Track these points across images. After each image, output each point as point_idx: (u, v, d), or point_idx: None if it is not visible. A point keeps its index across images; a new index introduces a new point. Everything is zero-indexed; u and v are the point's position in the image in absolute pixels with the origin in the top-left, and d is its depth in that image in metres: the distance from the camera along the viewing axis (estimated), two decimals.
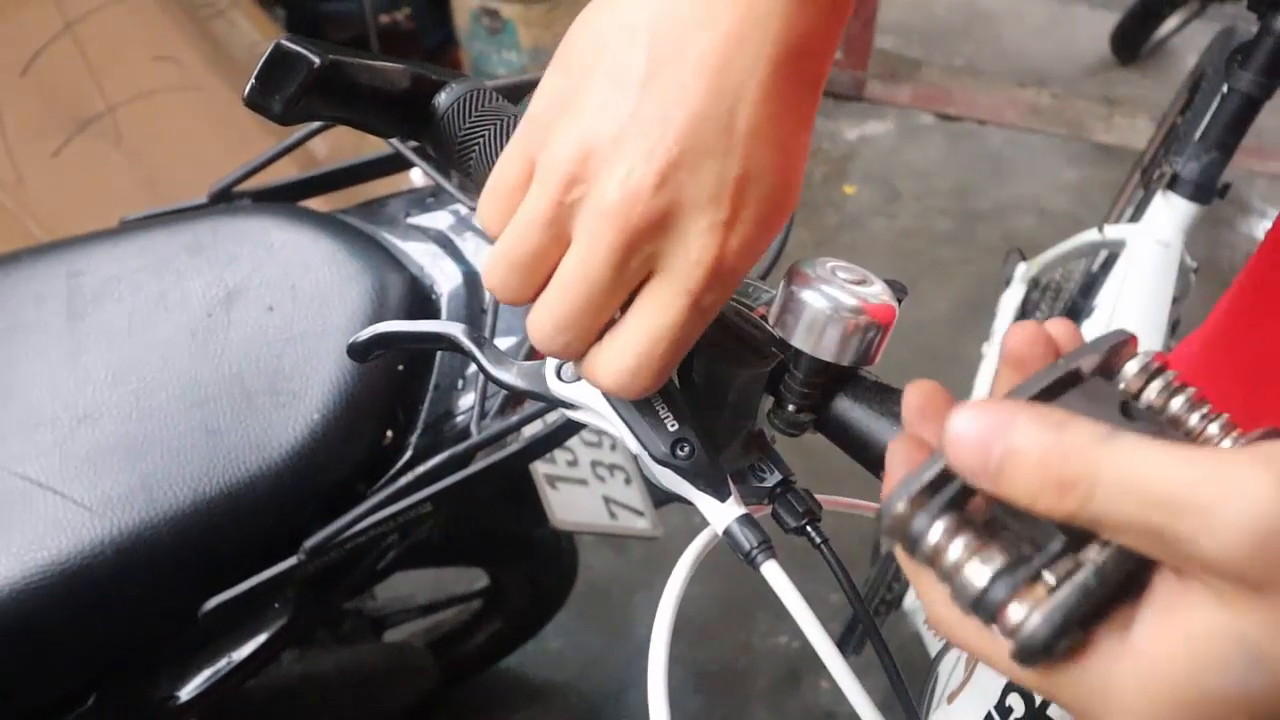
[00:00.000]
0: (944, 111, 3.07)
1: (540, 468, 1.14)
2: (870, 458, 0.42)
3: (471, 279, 0.89)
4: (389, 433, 0.83)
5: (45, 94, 1.70)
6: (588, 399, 0.45)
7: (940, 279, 2.49)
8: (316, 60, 0.43)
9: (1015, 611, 0.28)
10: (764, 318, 0.43)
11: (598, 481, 1.16)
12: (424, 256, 0.91)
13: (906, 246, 2.60)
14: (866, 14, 2.94)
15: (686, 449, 0.43)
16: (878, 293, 0.40)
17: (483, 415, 0.80)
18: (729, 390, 0.44)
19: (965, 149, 2.95)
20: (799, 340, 0.40)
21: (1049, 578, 0.28)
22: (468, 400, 0.85)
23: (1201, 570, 0.26)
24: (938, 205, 2.73)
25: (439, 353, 0.87)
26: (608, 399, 0.44)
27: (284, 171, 0.98)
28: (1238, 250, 2.60)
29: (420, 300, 0.86)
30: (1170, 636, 0.27)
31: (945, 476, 0.29)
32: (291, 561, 0.77)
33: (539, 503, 1.17)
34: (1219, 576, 0.25)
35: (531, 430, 0.85)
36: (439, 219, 0.94)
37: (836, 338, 0.40)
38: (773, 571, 0.42)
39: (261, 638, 0.82)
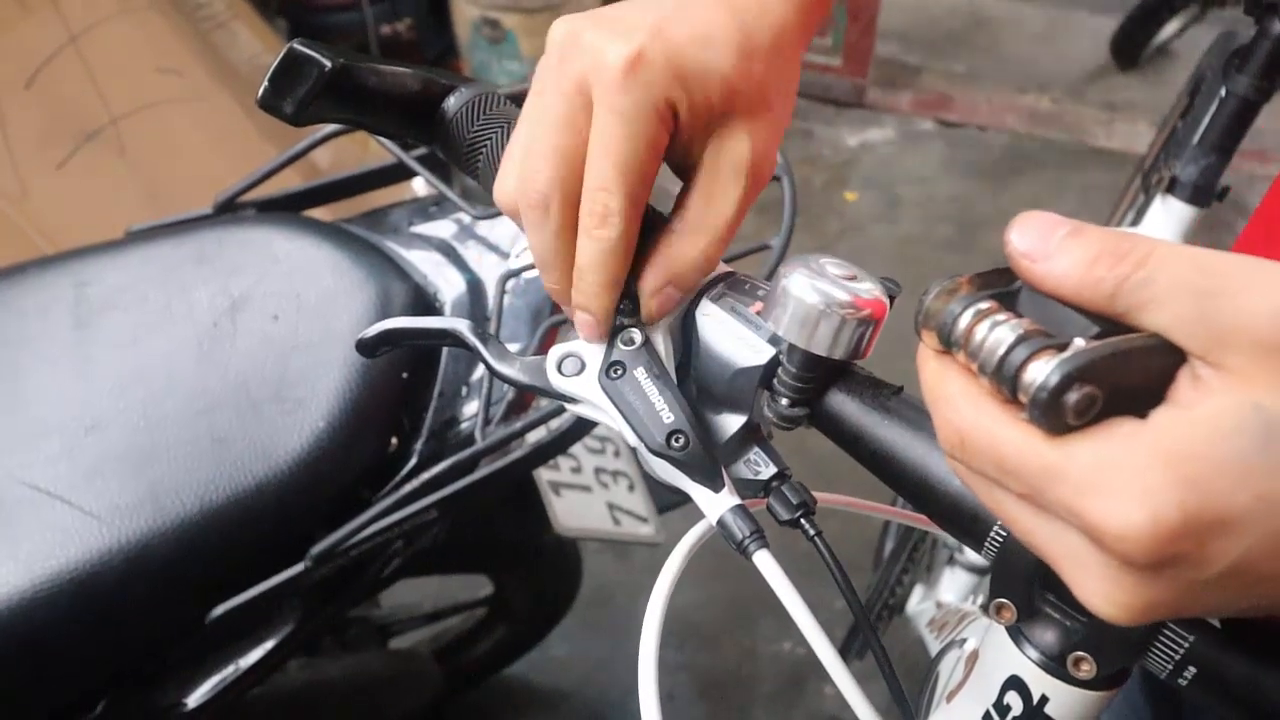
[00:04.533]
0: (944, 118, 3.07)
1: (544, 474, 1.15)
2: (863, 450, 0.42)
3: (475, 286, 0.90)
4: (394, 440, 0.84)
5: (50, 106, 1.72)
6: (587, 393, 0.46)
7: None
8: (328, 64, 0.45)
9: (1035, 369, 0.29)
10: (759, 314, 0.44)
11: (601, 488, 1.16)
12: (427, 264, 0.91)
13: (908, 253, 2.61)
14: (866, 21, 2.95)
15: (681, 440, 0.44)
16: (869, 288, 0.41)
17: (487, 422, 0.81)
18: (724, 385, 0.45)
19: (965, 155, 2.95)
20: (792, 335, 0.41)
21: (1079, 343, 0.29)
22: (472, 407, 0.86)
23: (1234, 335, 0.27)
24: (939, 212, 2.74)
25: (443, 361, 0.88)
26: (606, 393, 0.45)
27: (287, 182, 0.99)
28: None
29: (424, 308, 0.87)
30: (1187, 415, 0.28)
31: (985, 282, 0.32)
32: (298, 568, 0.78)
33: (543, 509, 1.17)
34: (1250, 340, 0.27)
35: (536, 437, 0.85)
36: (442, 227, 0.95)
37: (829, 332, 0.40)
38: (765, 561, 0.43)
39: (268, 644, 0.83)
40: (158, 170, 1.77)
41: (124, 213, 1.27)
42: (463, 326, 0.49)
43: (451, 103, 0.50)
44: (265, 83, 0.44)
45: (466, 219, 0.94)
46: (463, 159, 0.51)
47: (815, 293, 0.40)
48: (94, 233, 1.01)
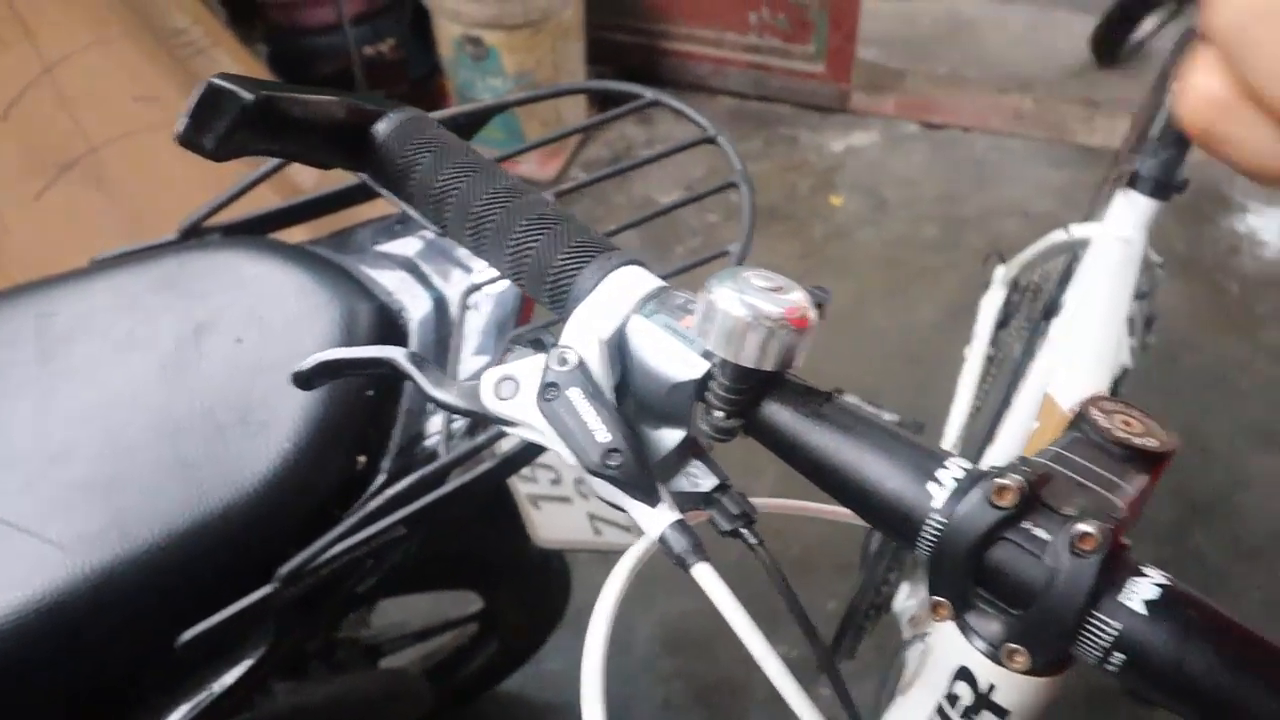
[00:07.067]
0: (928, 120, 3.08)
1: (522, 487, 1.15)
2: (799, 458, 0.43)
3: (439, 302, 0.90)
4: (361, 458, 0.84)
5: (27, 138, 1.72)
6: (524, 416, 0.46)
7: (928, 285, 2.50)
8: (249, 96, 0.45)
9: None
10: (690, 328, 0.44)
11: (581, 499, 1.16)
12: (392, 282, 0.92)
13: (894, 255, 2.61)
14: (848, 27, 2.96)
15: (618, 459, 0.44)
16: (795, 299, 0.41)
17: (449, 436, 0.81)
18: (661, 400, 0.45)
19: (950, 156, 2.96)
20: (721, 348, 0.41)
21: None
22: (438, 422, 0.86)
23: None
24: (924, 213, 2.75)
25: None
26: (542, 413, 0.45)
27: (266, 201, 0.99)
28: (1220, 245, 2.60)
29: (388, 326, 0.87)
30: None
31: None
32: (267, 589, 0.78)
33: (523, 523, 1.17)
34: None
35: (508, 446, 0.85)
36: (406, 245, 0.95)
37: (756, 344, 0.41)
38: (704, 574, 0.43)
39: (242, 668, 0.82)
40: (137, 199, 1.78)
41: (104, 242, 1.28)
42: (398, 355, 0.49)
43: (381, 128, 0.50)
44: (185, 118, 0.44)
45: (430, 235, 0.94)
46: (395, 183, 0.51)
47: (741, 306, 0.40)
48: (73, 263, 1.01)
